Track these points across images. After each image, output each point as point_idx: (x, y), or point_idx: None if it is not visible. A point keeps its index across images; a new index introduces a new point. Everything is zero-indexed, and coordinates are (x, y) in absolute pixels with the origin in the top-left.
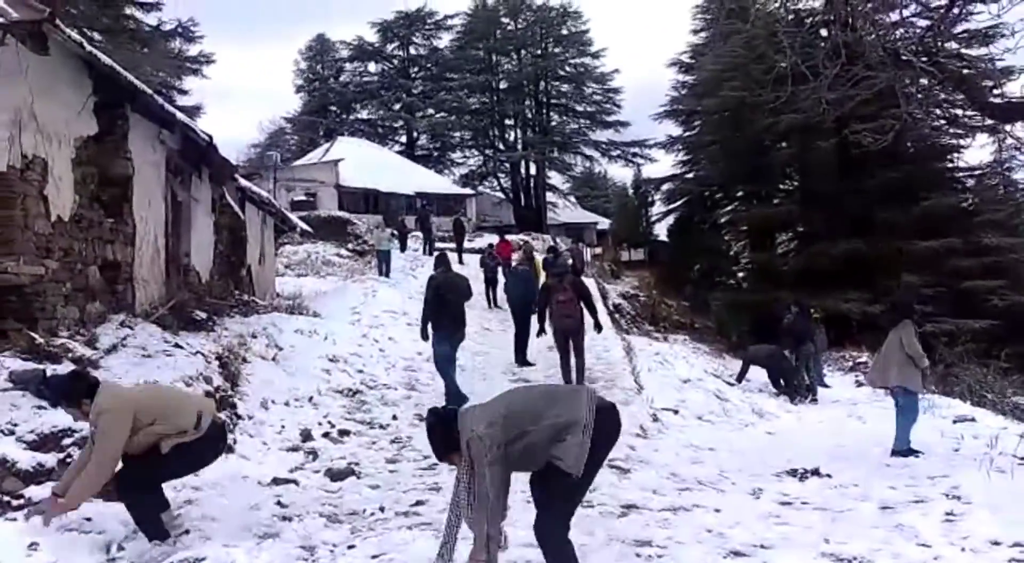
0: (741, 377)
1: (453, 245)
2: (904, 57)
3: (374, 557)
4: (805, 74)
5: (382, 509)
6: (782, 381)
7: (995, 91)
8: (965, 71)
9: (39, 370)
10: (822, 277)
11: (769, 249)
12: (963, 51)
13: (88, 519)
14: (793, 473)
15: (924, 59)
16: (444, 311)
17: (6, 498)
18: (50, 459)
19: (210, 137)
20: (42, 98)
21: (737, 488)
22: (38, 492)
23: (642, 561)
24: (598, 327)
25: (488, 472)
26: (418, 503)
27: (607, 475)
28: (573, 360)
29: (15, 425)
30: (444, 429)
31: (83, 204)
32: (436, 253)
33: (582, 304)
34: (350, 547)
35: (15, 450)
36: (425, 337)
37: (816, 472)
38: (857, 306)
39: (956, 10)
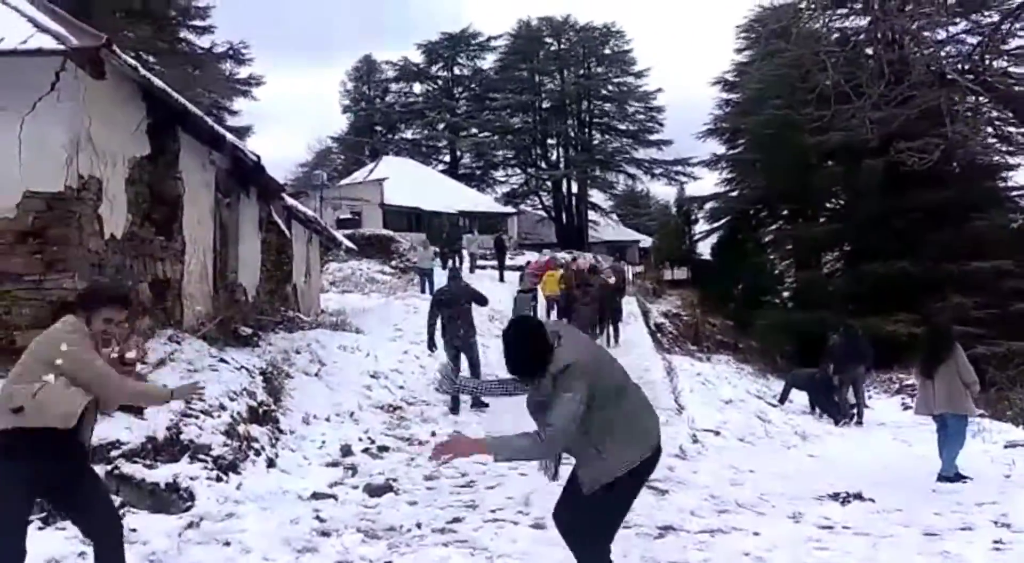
0: (784, 398)
1: (495, 262)
2: (950, 76)
3: None
4: (848, 93)
5: (419, 526)
6: (819, 406)
7: None
8: (1016, 89)
9: None
10: (869, 298)
11: (815, 268)
12: (1011, 69)
13: (134, 530)
14: (835, 497)
15: (971, 77)
16: (442, 319)
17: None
18: (99, 470)
19: (258, 157)
20: (98, 120)
21: (777, 511)
22: None
23: None
24: None
25: (577, 408)
26: (455, 520)
27: (645, 496)
28: None
29: None
30: (538, 341)
31: (135, 222)
32: (449, 268)
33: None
34: None
35: None
36: (431, 347)
37: (859, 496)
38: (904, 327)
39: (1007, 26)
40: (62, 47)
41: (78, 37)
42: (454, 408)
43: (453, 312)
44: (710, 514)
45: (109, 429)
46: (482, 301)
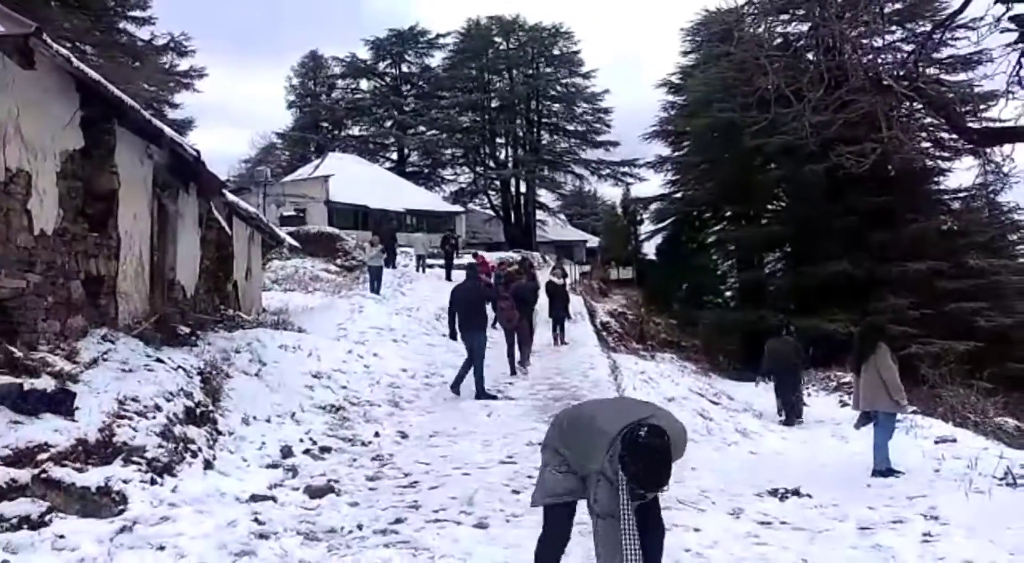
0: (767, 374)
1: (442, 261)
2: (886, 82)
3: None
4: (789, 97)
5: (360, 527)
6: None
7: (975, 116)
8: (947, 96)
9: (16, 384)
10: (809, 297)
11: (757, 269)
12: (943, 77)
13: (61, 536)
14: (774, 493)
15: (905, 84)
16: (460, 313)
17: None
18: (24, 474)
19: (198, 152)
20: (28, 111)
21: (717, 508)
22: (11, 508)
23: None
24: None
25: None
26: (397, 521)
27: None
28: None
29: None
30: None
31: (67, 218)
32: (467, 266)
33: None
34: None
35: None
36: (452, 337)
37: (796, 492)
38: (843, 326)
39: (938, 35)
40: None
41: (5, 24)
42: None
43: (469, 308)
44: None
45: (36, 431)
46: (494, 303)
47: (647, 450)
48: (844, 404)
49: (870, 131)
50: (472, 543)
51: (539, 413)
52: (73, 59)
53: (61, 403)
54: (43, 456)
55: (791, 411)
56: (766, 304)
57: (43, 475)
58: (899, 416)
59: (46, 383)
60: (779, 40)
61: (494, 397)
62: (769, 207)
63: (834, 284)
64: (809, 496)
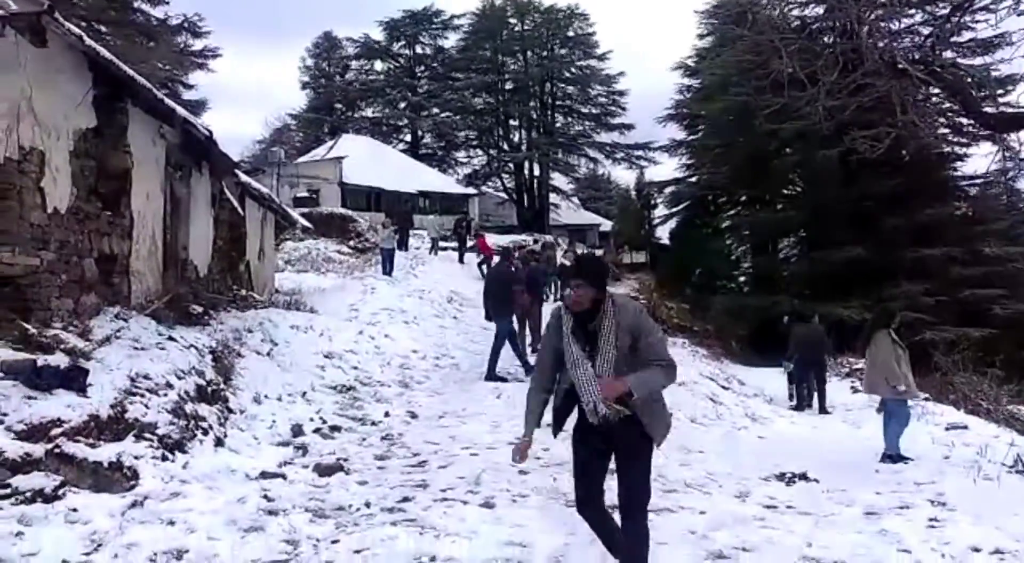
0: (791, 357)
1: (455, 245)
2: (901, 66)
3: (357, 552)
4: (803, 81)
5: (368, 505)
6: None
7: (991, 101)
8: (964, 80)
9: (30, 360)
10: (823, 283)
11: (771, 254)
12: (961, 61)
13: (74, 509)
14: (781, 477)
15: (921, 68)
16: (489, 297)
17: None
18: (38, 449)
19: (210, 132)
20: (41, 90)
21: (723, 491)
22: (25, 481)
23: None
24: None
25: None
26: (404, 500)
27: None
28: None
29: (5, 414)
30: (603, 273)
31: (80, 197)
32: (501, 249)
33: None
34: (334, 542)
35: (3, 439)
36: (487, 319)
37: (804, 476)
38: (857, 312)
39: (956, 18)
40: (1, 12)
41: (18, 2)
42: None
43: (498, 292)
44: (658, 494)
45: (49, 407)
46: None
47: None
48: (856, 390)
49: (886, 115)
50: (478, 522)
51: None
52: (85, 37)
53: (74, 380)
54: (56, 431)
55: (815, 399)
56: (780, 289)
57: (56, 450)
58: (910, 402)
59: (59, 360)
60: (796, 23)
61: (504, 379)
62: (784, 192)
63: (848, 270)
64: (816, 481)
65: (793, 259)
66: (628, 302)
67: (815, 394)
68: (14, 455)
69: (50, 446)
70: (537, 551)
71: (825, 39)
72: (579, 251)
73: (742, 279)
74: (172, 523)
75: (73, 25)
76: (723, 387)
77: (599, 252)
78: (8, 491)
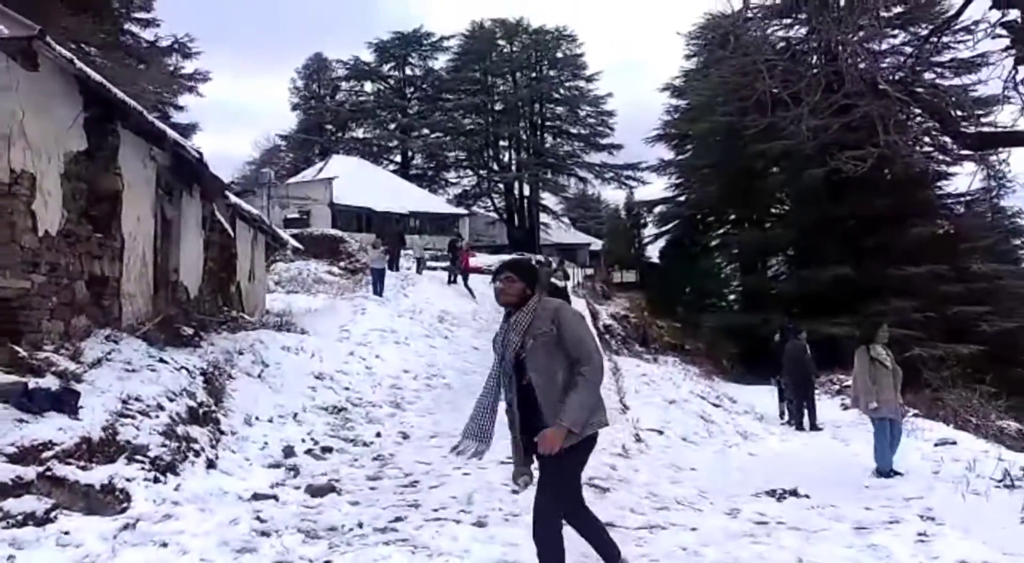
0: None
1: (447, 264)
2: (881, 86)
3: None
4: (786, 102)
5: (360, 525)
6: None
7: (970, 121)
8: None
9: (20, 383)
10: (812, 301)
11: (760, 272)
12: (942, 81)
13: (66, 532)
14: (771, 493)
15: (901, 89)
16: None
17: None
18: (29, 472)
19: (200, 153)
20: (32, 113)
21: (715, 508)
22: (16, 505)
23: None
24: None
25: (597, 357)
26: (397, 519)
27: (585, 493)
28: None
29: None
30: (532, 271)
31: (71, 219)
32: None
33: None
34: (327, 562)
35: None
36: None
37: (794, 492)
38: (846, 330)
39: (936, 39)
40: None
41: (9, 27)
42: None
43: None
44: (649, 511)
45: (41, 430)
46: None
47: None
48: (846, 407)
49: (870, 135)
50: (470, 541)
51: None
52: (76, 61)
53: (65, 402)
54: (48, 454)
55: (806, 417)
56: (769, 307)
57: (48, 473)
58: (903, 419)
59: (51, 382)
60: (781, 44)
61: None
62: (772, 211)
63: (836, 287)
64: (807, 496)
65: (782, 277)
66: (556, 301)
67: (805, 411)
68: (5, 478)
69: (41, 469)
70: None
71: (809, 59)
72: (568, 271)
73: (732, 297)
74: (165, 545)
75: (63, 48)
76: (714, 405)
77: (589, 271)
78: (0, 515)
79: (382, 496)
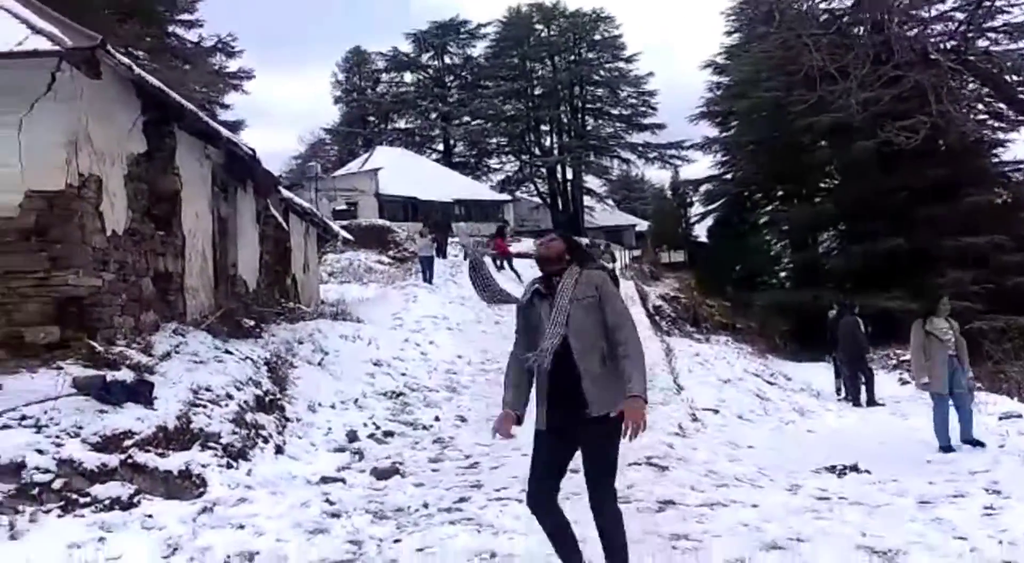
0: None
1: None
2: (932, 56)
3: (419, 550)
4: (833, 75)
5: (426, 505)
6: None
7: None
8: (1002, 66)
9: (99, 376)
10: (865, 275)
11: (811, 248)
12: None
13: (150, 516)
14: (832, 469)
15: (953, 57)
16: None
17: (73, 496)
18: (113, 459)
19: (253, 151)
20: (96, 119)
21: (775, 484)
22: (103, 490)
23: (678, 554)
24: None
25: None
26: (461, 500)
27: (645, 472)
28: None
29: (80, 427)
30: (574, 238)
31: (135, 218)
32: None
33: None
34: (396, 541)
35: (81, 451)
36: None
37: (855, 468)
38: (901, 304)
39: (988, 2)
40: (57, 48)
41: (72, 38)
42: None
43: None
44: (709, 488)
45: (120, 419)
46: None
47: None
48: (904, 382)
49: (922, 105)
50: (533, 519)
51: None
52: (134, 67)
53: (141, 393)
54: (128, 442)
55: (863, 392)
56: (822, 283)
57: (129, 460)
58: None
59: (126, 375)
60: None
61: None
62: (821, 185)
63: (890, 261)
64: (868, 472)
65: (833, 252)
66: (600, 272)
67: (863, 387)
68: (92, 465)
69: (123, 456)
70: (593, 545)
71: (855, 31)
72: (615, 253)
73: (783, 274)
74: (241, 527)
75: (120, 55)
76: (769, 383)
77: (636, 253)
78: (88, 499)
79: (445, 477)
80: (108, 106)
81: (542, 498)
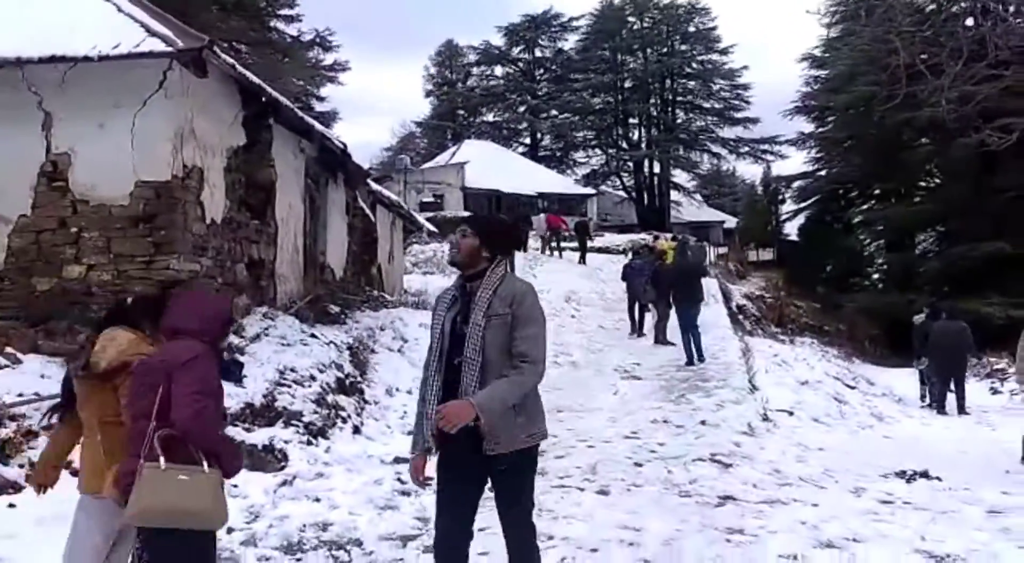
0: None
1: (575, 244)
2: None
3: (481, 530)
4: (931, 70)
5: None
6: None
7: None
8: None
9: None
10: (963, 279)
11: (907, 250)
12: None
13: (235, 485)
14: (901, 475)
15: None
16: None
17: None
18: None
19: (344, 145)
20: (200, 114)
21: (839, 486)
22: None
23: (732, 547)
24: None
25: (542, 366)
26: None
27: (708, 468)
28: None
29: None
30: (496, 229)
31: (232, 208)
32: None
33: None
34: None
35: None
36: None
37: (925, 474)
38: (1000, 310)
39: None
40: (169, 49)
41: (183, 39)
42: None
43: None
44: (771, 487)
45: None
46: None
47: None
48: (995, 391)
49: (1019, 105)
50: (594, 507)
51: (665, 393)
52: (237, 66)
53: (232, 372)
54: None
55: (950, 399)
56: (917, 286)
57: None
58: None
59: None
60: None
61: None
62: (920, 184)
63: (990, 265)
64: (939, 479)
65: (930, 255)
66: (524, 284)
67: (949, 394)
68: None
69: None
70: (649, 534)
71: (951, 27)
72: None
73: (876, 276)
74: (318, 500)
75: (220, 49)
76: (849, 387)
77: (723, 250)
78: None
79: None
80: (212, 101)
81: (450, 547)
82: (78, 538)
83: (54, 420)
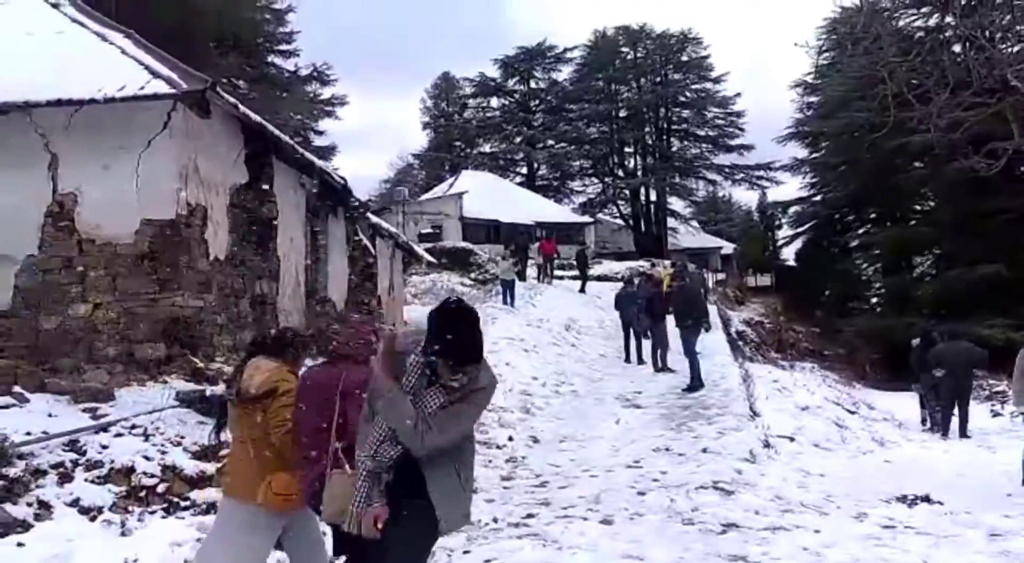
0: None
1: (575, 273)
2: (1013, 83)
3: (487, 561)
4: (919, 98)
5: (495, 520)
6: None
7: None
8: None
9: (199, 390)
10: (961, 302)
11: (904, 273)
12: None
13: None
14: (902, 499)
15: None
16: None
17: (175, 499)
18: (210, 467)
19: (344, 180)
20: (203, 154)
21: (841, 512)
22: (201, 495)
23: None
24: None
25: (470, 429)
26: (528, 516)
27: (711, 496)
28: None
29: (182, 437)
30: (479, 336)
31: (235, 244)
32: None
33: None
34: (465, 552)
35: (182, 458)
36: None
37: (927, 498)
38: (1000, 332)
39: None
40: (173, 91)
41: (186, 81)
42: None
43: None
44: (774, 513)
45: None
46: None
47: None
48: (996, 414)
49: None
50: (597, 536)
51: (666, 421)
52: (240, 105)
53: None
54: (224, 452)
55: (953, 423)
56: (915, 310)
57: (224, 468)
58: None
59: (223, 390)
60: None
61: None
62: (916, 207)
63: (988, 288)
64: (940, 503)
65: (928, 278)
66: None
67: (951, 418)
68: (192, 472)
69: (219, 465)
70: None
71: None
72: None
73: (874, 300)
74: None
75: (220, 88)
76: (849, 411)
77: (721, 276)
78: (188, 503)
79: (515, 495)
80: (214, 141)
81: None
82: (222, 537)
83: (220, 437)
